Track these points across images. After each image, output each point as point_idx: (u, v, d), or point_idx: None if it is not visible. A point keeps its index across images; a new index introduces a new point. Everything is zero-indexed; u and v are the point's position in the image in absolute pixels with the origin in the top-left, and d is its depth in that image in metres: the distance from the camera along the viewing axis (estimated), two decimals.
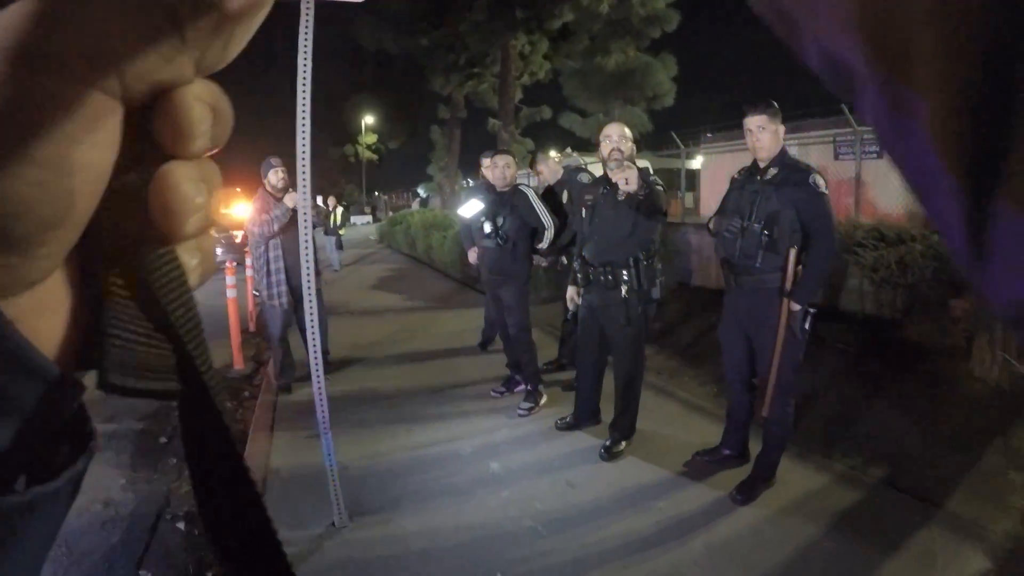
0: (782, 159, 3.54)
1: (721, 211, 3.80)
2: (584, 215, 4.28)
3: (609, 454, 4.26)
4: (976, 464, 3.99)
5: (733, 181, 3.82)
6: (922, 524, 3.41)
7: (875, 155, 8.72)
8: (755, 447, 3.93)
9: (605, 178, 4.17)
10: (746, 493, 3.70)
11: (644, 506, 3.68)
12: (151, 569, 3.51)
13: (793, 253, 3.44)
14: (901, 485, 3.82)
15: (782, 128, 3.55)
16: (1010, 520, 3.39)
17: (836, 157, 9.10)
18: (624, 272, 4.04)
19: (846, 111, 8.52)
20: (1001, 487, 3.71)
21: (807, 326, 3.51)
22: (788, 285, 3.47)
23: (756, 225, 3.49)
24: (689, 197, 13.21)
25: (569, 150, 13.90)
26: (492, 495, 3.86)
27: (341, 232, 15.15)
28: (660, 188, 3.95)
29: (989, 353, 5.01)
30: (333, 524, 3.50)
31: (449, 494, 3.88)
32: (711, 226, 3.84)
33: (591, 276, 4.23)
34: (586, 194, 4.32)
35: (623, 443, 4.35)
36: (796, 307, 3.45)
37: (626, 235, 4.05)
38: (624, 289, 4.05)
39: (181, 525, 3.93)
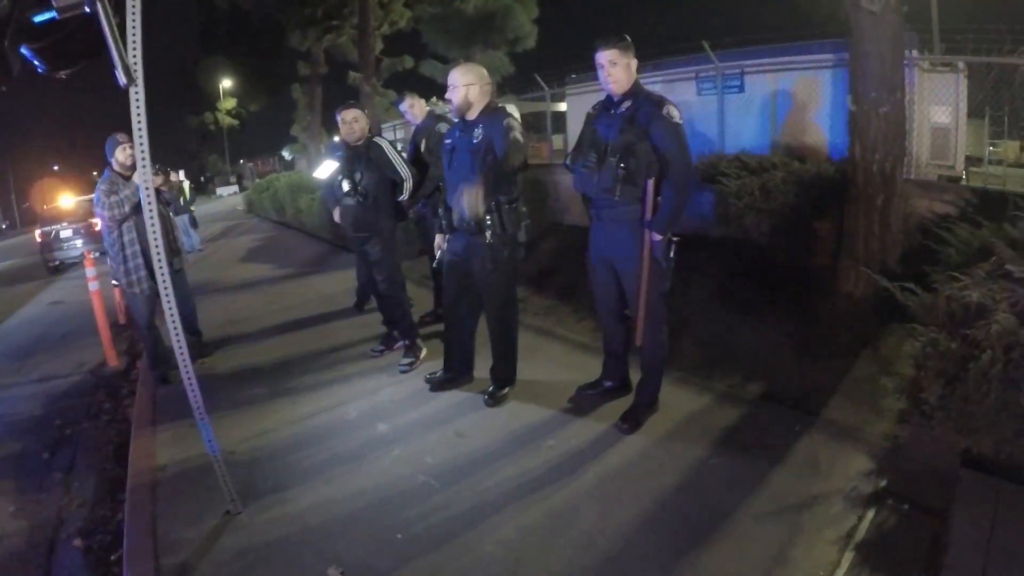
0: (635, 92, 3.52)
1: (577, 147, 3.76)
2: (444, 162, 4.15)
3: (493, 400, 4.21)
4: (849, 373, 4.19)
5: (588, 116, 3.77)
6: (803, 434, 3.55)
7: (736, 90, 8.95)
8: (636, 376, 3.97)
9: (461, 123, 4.04)
10: (631, 421, 3.75)
11: (534, 446, 3.67)
12: None
13: (651, 184, 3.44)
14: (779, 399, 3.97)
15: (634, 62, 3.51)
16: (885, 421, 3.57)
17: (699, 93, 9.27)
18: (487, 217, 3.91)
19: (707, 48, 8.67)
20: (873, 392, 3.90)
21: (672, 255, 3.53)
22: (648, 215, 3.47)
23: (612, 158, 3.45)
24: (559, 139, 13.24)
25: (435, 99, 13.63)
26: (383, 456, 3.76)
27: (192, 209, 14.25)
28: (516, 136, 3.81)
29: (853, 269, 5.26)
30: (228, 512, 3.31)
31: (340, 462, 3.74)
32: (568, 162, 3.80)
33: (454, 223, 4.11)
34: (445, 140, 4.18)
35: (506, 388, 4.30)
36: (657, 237, 3.45)
37: (483, 178, 3.90)
38: (488, 234, 3.92)
39: (78, 542, 3.68)
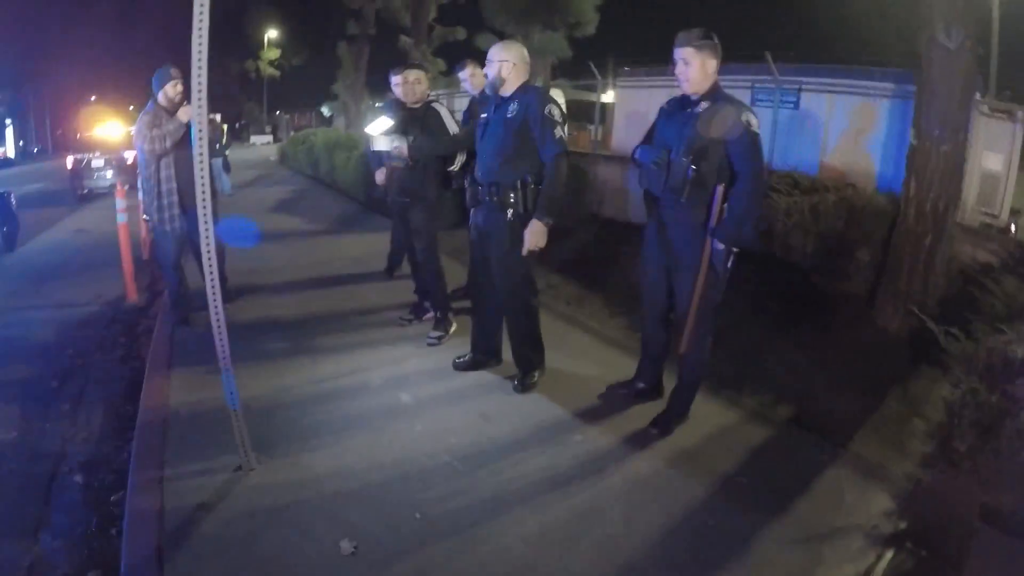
0: (714, 94, 3.40)
1: (646, 141, 3.66)
2: (477, 134, 4.06)
3: (523, 386, 4.13)
4: (878, 409, 4.09)
5: (661, 111, 3.67)
6: (829, 464, 3.47)
7: (792, 105, 8.78)
8: (668, 381, 3.91)
9: (496, 98, 3.95)
10: (662, 427, 3.68)
11: (561, 439, 3.61)
12: (51, 531, 3.22)
13: (720, 189, 3.33)
14: (808, 425, 3.87)
15: (713, 62, 3.38)
16: (910, 463, 3.48)
17: (753, 103, 9.10)
18: (511, 194, 3.82)
19: (768, 59, 8.50)
20: (900, 431, 3.80)
21: (730, 265, 3.44)
22: (713, 222, 3.37)
23: (684, 158, 3.34)
24: (604, 129, 13.07)
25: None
26: (405, 429, 3.69)
27: (226, 153, 14.20)
28: (558, 122, 3.75)
29: (891, 304, 5.17)
30: (239, 468, 3.24)
31: (359, 429, 3.69)
32: (636, 156, 3.69)
33: (479, 196, 4.00)
34: (481, 112, 4.11)
35: (535, 373, 4.21)
36: (720, 246, 3.35)
37: (514, 155, 3.82)
38: (510, 212, 3.83)
39: (79, 478, 3.62)
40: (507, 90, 3.89)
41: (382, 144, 4.91)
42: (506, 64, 3.85)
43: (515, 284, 4.04)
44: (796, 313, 5.34)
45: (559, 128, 3.74)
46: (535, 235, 3.75)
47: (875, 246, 5.64)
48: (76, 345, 5.54)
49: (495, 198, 3.87)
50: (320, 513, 2.95)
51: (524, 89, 3.89)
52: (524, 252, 3.83)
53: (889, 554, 2.82)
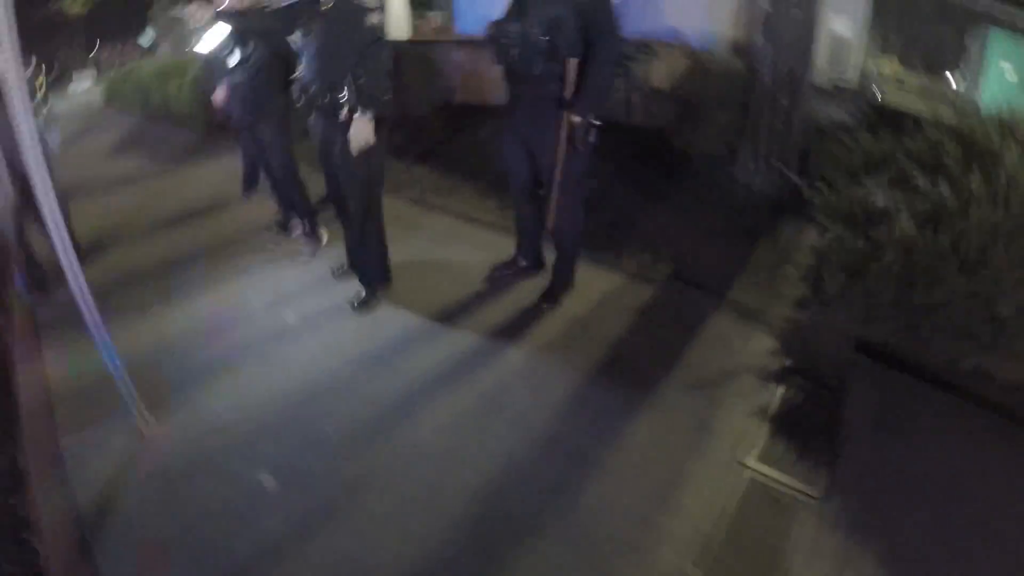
0: None
1: (499, 19, 3.52)
2: (297, 39, 3.70)
3: (362, 304, 3.94)
4: (751, 259, 4.30)
5: None
6: (712, 313, 3.67)
7: None
8: (549, 255, 3.97)
9: None
10: (550, 300, 3.75)
11: (455, 328, 3.62)
12: None
13: (574, 62, 3.26)
14: (687, 280, 4.04)
15: None
16: (785, 307, 3.68)
17: None
18: (342, 93, 3.49)
19: None
20: (773, 278, 3.99)
21: (592, 139, 3.41)
22: (568, 95, 3.31)
23: (535, 30, 3.24)
24: (445, 15, 12.63)
25: None
26: (296, 349, 3.58)
27: (46, 107, 12.78)
28: (370, 8, 3.45)
29: (753, 161, 5.39)
30: (141, 433, 3.04)
31: (251, 360, 3.53)
32: (488, 33, 3.55)
33: (313, 101, 3.65)
34: (296, 15, 3.68)
35: (378, 289, 4.03)
36: (577, 119, 3.31)
37: (337, 52, 3.48)
38: (344, 111, 3.51)
39: None
40: None
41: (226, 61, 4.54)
42: None
43: (357, 186, 3.76)
44: (662, 177, 5.46)
45: (372, 15, 3.44)
46: (357, 131, 3.46)
47: (733, 108, 5.79)
48: None
49: (327, 100, 3.56)
50: (234, 455, 2.84)
51: None
52: (354, 151, 3.55)
53: (780, 389, 3.07)
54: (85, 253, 5.28)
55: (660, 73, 5.97)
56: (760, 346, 3.36)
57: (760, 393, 3.03)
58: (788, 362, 3.23)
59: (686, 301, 3.81)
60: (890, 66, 8.27)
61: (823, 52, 7.04)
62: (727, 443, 2.73)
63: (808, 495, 2.50)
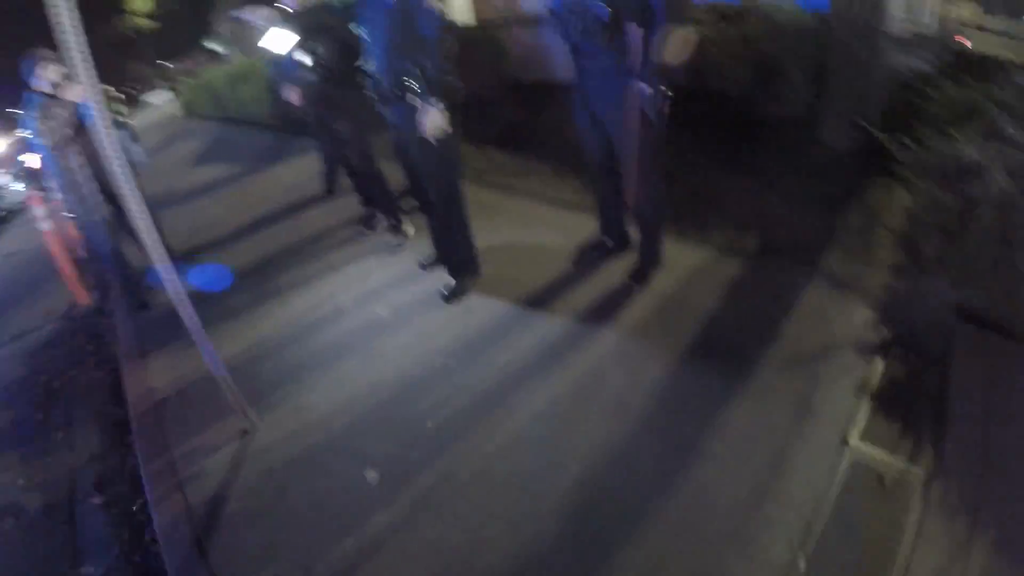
0: None
1: None
2: (359, 30, 3.72)
3: (451, 295, 3.96)
4: (841, 225, 4.14)
5: None
6: (806, 285, 3.54)
7: None
8: (634, 232, 3.90)
9: None
10: (639, 279, 3.71)
11: (545, 312, 3.62)
12: (90, 560, 3.11)
13: (640, 32, 3.16)
14: (778, 251, 3.92)
15: None
16: (880, 274, 3.55)
17: None
18: (412, 82, 3.48)
19: None
20: (866, 243, 3.86)
21: (664, 109, 3.32)
22: (636, 66, 3.22)
23: (598, 2, 3.17)
24: None
25: None
26: (390, 343, 3.66)
27: (125, 121, 13.19)
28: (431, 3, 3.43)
29: (835, 121, 5.19)
30: (245, 432, 3.18)
31: (347, 355, 3.63)
32: (552, 8, 3.50)
33: (384, 93, 3.67)
34: (357, 7, 3.72)
35: (467, 278, 4.05)
36: (648, 90, 3.22)
37: (404, 42, 3.48)
38: (416, 100, 3.49)
39: (97, 500, 3.47)
40: None
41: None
42: None
43: (436, 175, 3.77)
44: (743, 144, 5.30)
45: (435, 1, 3.43)
46: (430, 121, 3.46)
47: (809, 66, 5.59)
48: (47, 370, 5.24)
49: (396, 91, 3.58)
50: (335, 451, 2.94)
51: None
52: (430, 139, 3.55)
53: (880, 363, 2.93)
54: (180, 261, 5.51)
55: (731, 36, 5.79)
56: (858, 317, 3.23)
57: (861, 368, 2.91)
58: (888, 333, 3.09)
59: (778, 273, 3.69)
60: (969, 10, 7.85)
61: (899, 1, 6.73)
62: (829, 422, 2.65)
63: (915, 475, 2.40)
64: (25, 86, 4.68)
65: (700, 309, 3.41)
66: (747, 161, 5.08)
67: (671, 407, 2.79)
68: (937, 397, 2.69)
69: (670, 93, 3.31)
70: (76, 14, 2.51)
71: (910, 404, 2.69)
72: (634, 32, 3.18)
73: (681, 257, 3.92)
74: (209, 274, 5.28)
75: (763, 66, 5.71)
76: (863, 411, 2.69)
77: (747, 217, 4.31)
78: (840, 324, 3.20)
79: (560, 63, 8.23)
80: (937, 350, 2.91)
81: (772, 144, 5.25)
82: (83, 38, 2.56)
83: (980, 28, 7.76)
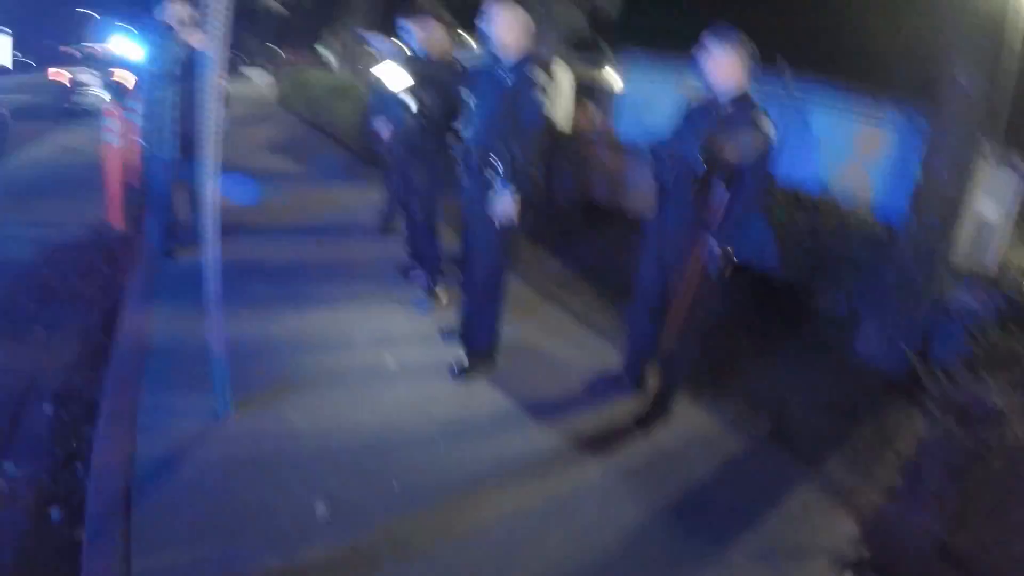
0: (742, 99, 3.38)
1: (668, 137, 3.62)
2: (468, 96, 3.89)
3: (460, 371, 3.98)
4: (852, 435, 4.14)
5: (689, 109, 3.64)
6: (800, 482, 3.53)
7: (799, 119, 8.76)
8: (652, 378, 3.94)
9: (492, 61, 3.77)
10: (643, 424, 3.71)
11: (543, 424, 3.61)
12: (15, 459, 3.11)
13: (724, 191, 3.32)
14: (783, 440, 3.93)
15: (742, 62, 3.35)
16: (877, 494, 3.53)
17: None
18: (496, 160, 3.62)
19: (782, 64, 8.43)
20: (872, 460, 3.86)
21: (726, 271, 3.44)
22: (713, 222, 3.36)
23: (697, 155, 3.34)
24: (602, 114, 12.92)
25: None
26: (387, 393, 3.68)
27: (227, 88, 13.71)
28: (539, 84, 3.62)
29: (876, 335, 5.24)
30: (217, 416, 3.19)
31: (341, 387, 3.66)
32: (652, 148, 3.68)
33: (468, 162, 3.84)
34: (473, 76, 3.95)
35: (480, 361, 4.07)
36: (717, 248, 3.34)
37: (502, 121, 3.63)
38: (492, 178, 3.64)
39: (48, 408, 3.49)
40: (503, 53, 3.70)
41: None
42: (504, 25, 3.66)
43: (486, 254, 3.88)
44: (783, 330, 5.37)
45: (538, 92, 3.61)
46: (502, 204, 3.61)
47: (868, 274, 5.68)
48: (55, 267, 5.33)
49: (479, 161, 3.73)
50: (297, 471, 2.92)
51: (520, 55, 3.71)
52: (496, 223, 3.69)
53: None
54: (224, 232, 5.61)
55: (802, 225, 5.92)
56: (842, 529, 3.20)
57: None
58: (867, 553, 3.04)
59: (776, 463, 3.70)
60: None
61: (966, 234, 6.85)
62: None
63: None
64: (150, 13, 4.93)
65: (691, 473, 3.40)
66: (782, 347, 5.13)
67: (636, 557, 2.75)
68: None
69: (736, 259, 3.42)
70: None
71: None
72: (720, 191, 3.33)
73: (689, 416, 3.92)
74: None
75: (822, 259, 5.81)
76: None
77: (765, 400, 4.31)
78: (822, 531, 3.17)
79: (635, 197, 8.45)
80: None
81: (811, 338, 5.31)
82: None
83: None
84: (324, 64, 31.03)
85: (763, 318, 5.48)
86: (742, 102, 3.37)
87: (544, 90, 3.66)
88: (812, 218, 5.97)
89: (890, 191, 7.00)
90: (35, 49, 46.92)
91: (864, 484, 3.61)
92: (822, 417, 4.27)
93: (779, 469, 3.62)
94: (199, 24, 4.71)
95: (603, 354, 4.47)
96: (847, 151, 8.02)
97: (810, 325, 5.46)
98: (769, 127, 3.29)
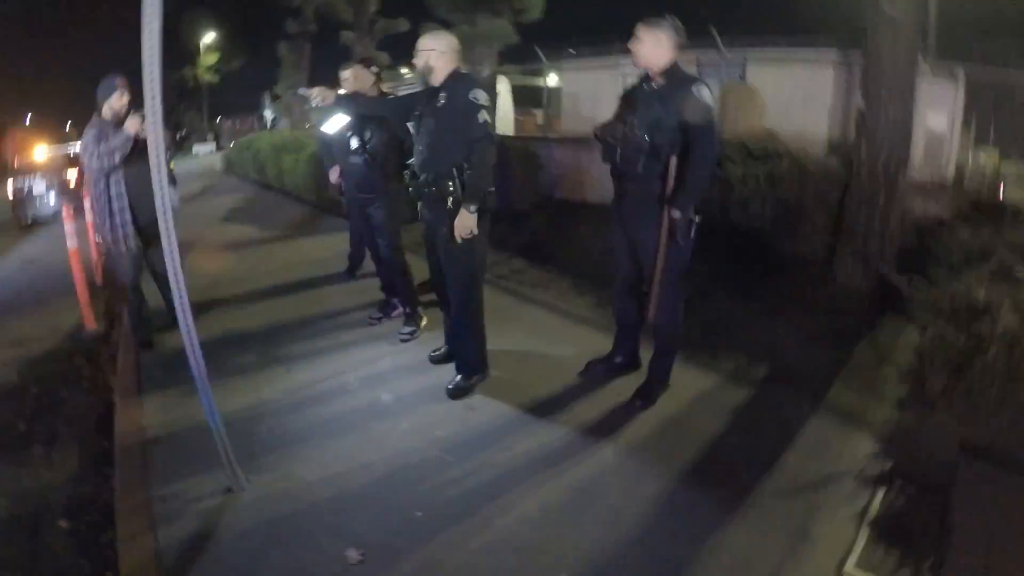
0: (671, 70, 3.49)
1: (609, 120, 3.70)
2: (412, 127, 3.97)
3: (457, 391, 3.99)
4: (849, 359, 4.23)
5: (624, 91, 3.75)
6: (811, 415, 3.58)
7: (738, 77, 8.89)
8: (645, 353, 3.97)
9: (430, 88, 3.86)
10: (645, 398, 3.74)
11: (548, 420, 3.63)
12: None
13: (674, 160, 3.41)
14: (785, 381, 3.99)
15: (668, 40, 3.47)
16: (886, 408, 3.61)
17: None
18: (449, 183, 3.70)
19: (713, 33, 8.58)
20: (873, 378, 3.93)
21: (692, 234, 3.51)
22: (669, 191, 3.45)
23: (638, 131, 3.42)
24: (549, 113, 13.08)
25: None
26: (390, 428, 3.66)
27: (171, 166, 13.68)
28: (482, 105, 3.67)
29: (850, 260, 5.33)
30: (230, 490, 3.15)
31: (345, 433, 3.64)
32: (596, 132, 3.72)
33: (421, 189, 3.89)
34: (413, 106, 4.00)
35: (474, 377, 4.07)
36: (677, 214, 3.43)
37: (448, 144, 3.71)
38: (450, 200, 3.71)
39: (64, 523, 3.39)
40: (436, 79, 3.80)
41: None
42: (433, 53, 3.77)
43: (466, 275, 3.92)
44: (760, 277, 5.47)
45: (483, 112, 3.67)
46: (461, 222, 3.67)
47: (830, 207, 5.77)
48: (40, 383, 5.21)
49: (434, 188, 3.78)
50: (320, 524, 2.90)
51: (453, 77, 3.81)
52: (458, 239, 3.73)
53: (881, 493, 2.93)
54: (194, 309, 5.57)
55: (758, 172, 6.01)
56: (861, 449, 3.26)
57: (861, 498, 2.91)
58: (890, 465, 3.10)
59: (783, 403, 3.74)
60: (988, 159, 8.10)
61: (919, 149, 7.00)
62: (825, 550, 2.61)
63: None
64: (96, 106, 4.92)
65: (703, 432, 3.44)
66: (762, 294, 5.23)
67: (665, 526, 2.77)
68: (939, 528, 2.68)
69: (698, 219, 3.50)
70: (158, 52, 2.76)
71: (910, 534, 2.67)
72: (671, 160, 3.41)
73: (689, 380, 3.97)
74: None
75: (786, 204, 5.91)
76: (861, 540, 2.66)
77: (758, 347, 4.39)
78: (842, 455, 3.22)
79: (593, 185, 8.57)
80: (939, 482, 2.91)
81: (788, 280, 5.41)
82: (159, 78, 2.78)
83: (998, 174, 7.98)
84: (266, 124, 31.08)
85: (740, 270, 5.55)
86: (672, 73, 3.48)
87: (485, 105, 3.70)
88: (766, 165, 6.06)
89: (837, 126, 7.14)
90: None
91: (872, 402, 3.67)
92: (817, 349, 4.37)
93: (788, 407, 3.67)
94: (136, 110, 4.72)
95: (591, 341, 4.51)
96: (789, 96, 8.17)
97: (785, 268, 5.55)
98: (704, 92, 3.38)
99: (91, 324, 6.23)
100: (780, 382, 3.99)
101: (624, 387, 3.87)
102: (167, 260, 2.96)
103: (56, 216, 11.42)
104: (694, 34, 8.77)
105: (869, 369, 4.07)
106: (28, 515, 3.54)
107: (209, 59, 43.05)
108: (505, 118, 12.08)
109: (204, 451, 3.23)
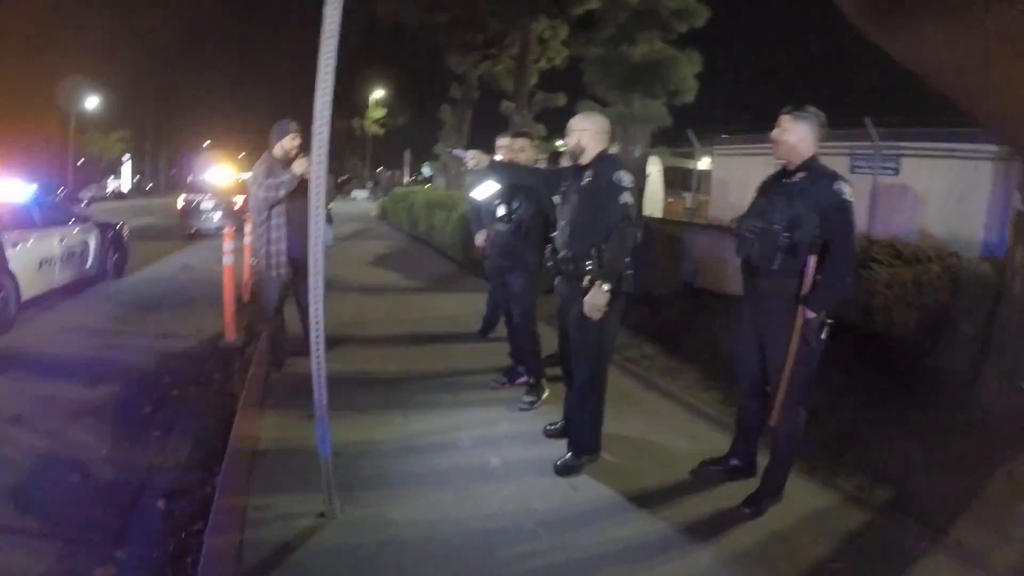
0: (810, 164, 3.46)
1: (746, 212, 3.70)
2: (558, 201, 4.12)
3: (564, 468, 3.99)
4: (980, 492, 3.91)
5: (762, 184, 3.74)
6: (927, 551, 3.34)
7: (892, 172, 8.58)
8: (763, 460, 3.84)
9: (577, 166, 4.01)
10: (754, 507, 3.62)
11: (649, 513, 3.59)
12: (128, 549, 3.34)
13: (812, 260, 3.35)
14: (907, 510, 3.73)
15: (811, 133, 3.45)
16: (1014, 552, 3.32)
17: (852, 170, 8.93)
18: (587, 262, 3.78)
19: (869, 125, 8.35)
20: (1005, 517, 3.64)
21: (823, 336, 3.41)
22: (805, 291, 3.37)
23: (776, 227, 3.39)
24: (697, 197, 13.03)
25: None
26: (491, 492, 3.74)
27: (329, 207, 14.68)
28: (625, 187, 3.77)
29: (997, 381, 4.95)
30: (322, 515, 3.34)
31: (446, 487, 3.76)
32: (734, 225, 3.73)
33: (560, 266, 4.04)
34: (561, 182, 4.14)
35: (584, 457, 4.06)
36: (811, 315, 3.34)
37: (589, 223, 3.82)
38: (586, 280, 3.78)
39: (161, 503, 3.76)
40: (585, 159, 3.96)
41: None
42: (585, 133, 3.94)
43: (593, 355, 3.97)
44: (897, 390, 5.15)
45: (626, 194, 3.76)
46: (593, 299, 3.72)
47: (980, 318, 5.40)
48: (173, 375, 5.83)
49: (572, 266, 3.91)
50: (399, 569, 2.99)
51: (601, 157, 3.95)
52: (591, 318, 3.78)
53: None
54: (329, 343, 5.96)
55: (904, 277, 5.72)
56: None
57: None
58: None
59: (902, 533, 3.50)
60: None
61: None
62: None
63: None
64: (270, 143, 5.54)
65: (808, 553, 3.28)
66: (896, 410, 4.92)
67: None
68: None
69: (831, 323, 3.41)
70: (329, 104, 3.11)
71: None
72: (807, 258, 3.36)
73: (803, 495, 3.80)
74: None
75: (932, 313, 5.57)
76: None
77: (883, 468, 4.14)
78: None
79: (734, 277, 8.40)
80: None
81: (927, 396, 5.07)
82: (328, 126, 3.13)
83: None
84: (425, 181, 32.74)
85: (875, 382, 5.27)
86: (812, 167, 3.46)
87: (628, 187, 3.82)
88: (914, 269, 5.77)
89: (994, 226, 6.70)
90: (156, 175, 52.08)
91: (998, 543, 3.41)
92: (949, 478, 4.05)
93: (906, 539, 3.44)
94: (305, 153, 5.22)
95: (711, 438, 4.44)
96: (944, 192, 7.78)
97: (924, 382, 5.21)
98: (845, 188, 3.35)
99: (231, 335, 6.85)
100: (901, 510, 3.74)
101: (735, 492, 3.76)
102: (311, 292, 3.25)
103: (217, 232, 12.64)
104: (846, 124, 8.58)
105: (1004, 506, 3.76)
106: (131, 488, 3.93)
107: (377, 113, 46.15)
108: (654, 198, 12.13)
109: (307, 474, 3.47)
